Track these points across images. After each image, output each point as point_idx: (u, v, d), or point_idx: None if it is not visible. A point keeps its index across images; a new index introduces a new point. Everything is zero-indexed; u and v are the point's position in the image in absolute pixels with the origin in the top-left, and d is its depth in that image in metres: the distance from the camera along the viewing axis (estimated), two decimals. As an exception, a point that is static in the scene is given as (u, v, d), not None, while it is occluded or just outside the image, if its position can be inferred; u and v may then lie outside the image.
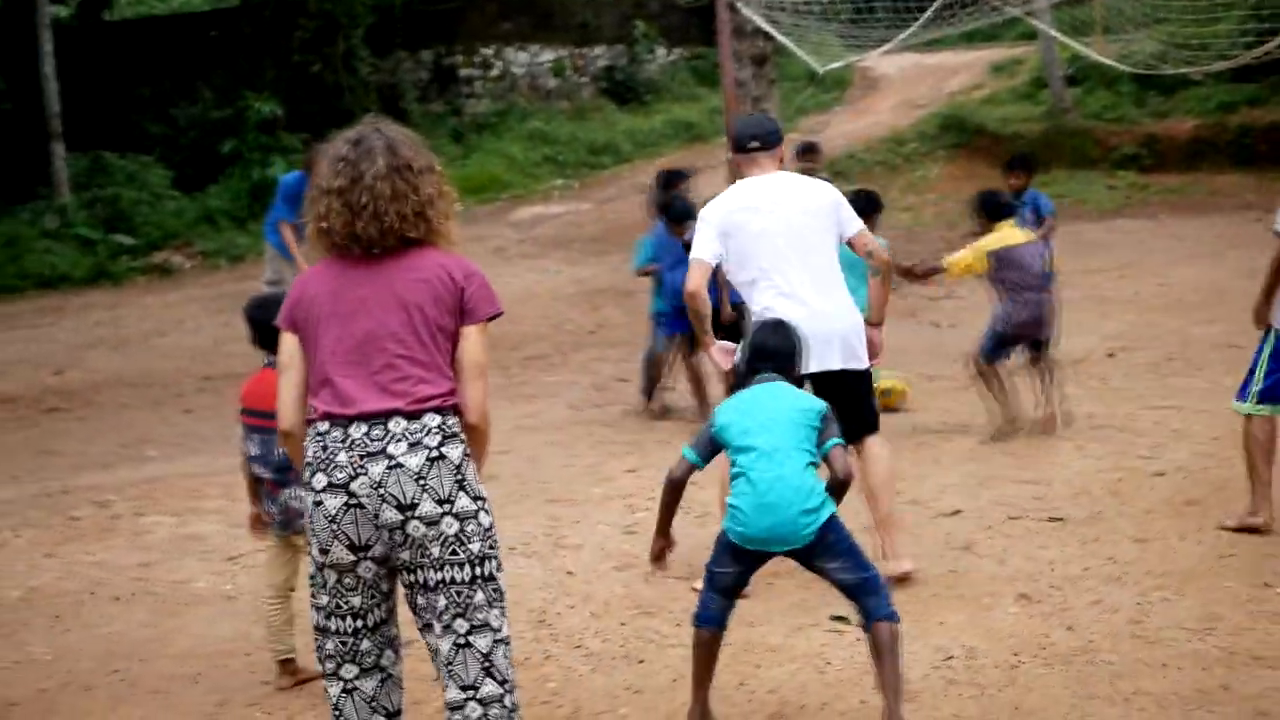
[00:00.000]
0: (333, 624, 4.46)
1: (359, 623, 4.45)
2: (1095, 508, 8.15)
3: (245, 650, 6.75)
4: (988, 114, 26.95)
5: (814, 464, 5.46)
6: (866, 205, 9.17)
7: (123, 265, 21.96)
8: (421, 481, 4.29)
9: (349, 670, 4.48)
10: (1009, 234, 9.86)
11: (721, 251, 7.15)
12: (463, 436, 4.42)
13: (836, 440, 5.51)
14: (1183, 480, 8.59)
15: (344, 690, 4.49)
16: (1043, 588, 6.89)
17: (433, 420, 4.35)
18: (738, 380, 6.20)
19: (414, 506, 4.28)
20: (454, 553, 4.33)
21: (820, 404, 5.57)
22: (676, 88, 31.86)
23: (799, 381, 5.83)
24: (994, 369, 9.99)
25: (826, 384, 6.94)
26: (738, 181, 7.41)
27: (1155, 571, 7.03)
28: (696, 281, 7.14)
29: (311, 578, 4.49)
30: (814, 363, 6.86)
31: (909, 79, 31.99)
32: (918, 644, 6.14)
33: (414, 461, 4.29)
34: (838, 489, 5.48)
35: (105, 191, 23.38)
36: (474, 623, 4.38)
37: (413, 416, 4.33)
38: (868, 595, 5.43)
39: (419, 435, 4.31)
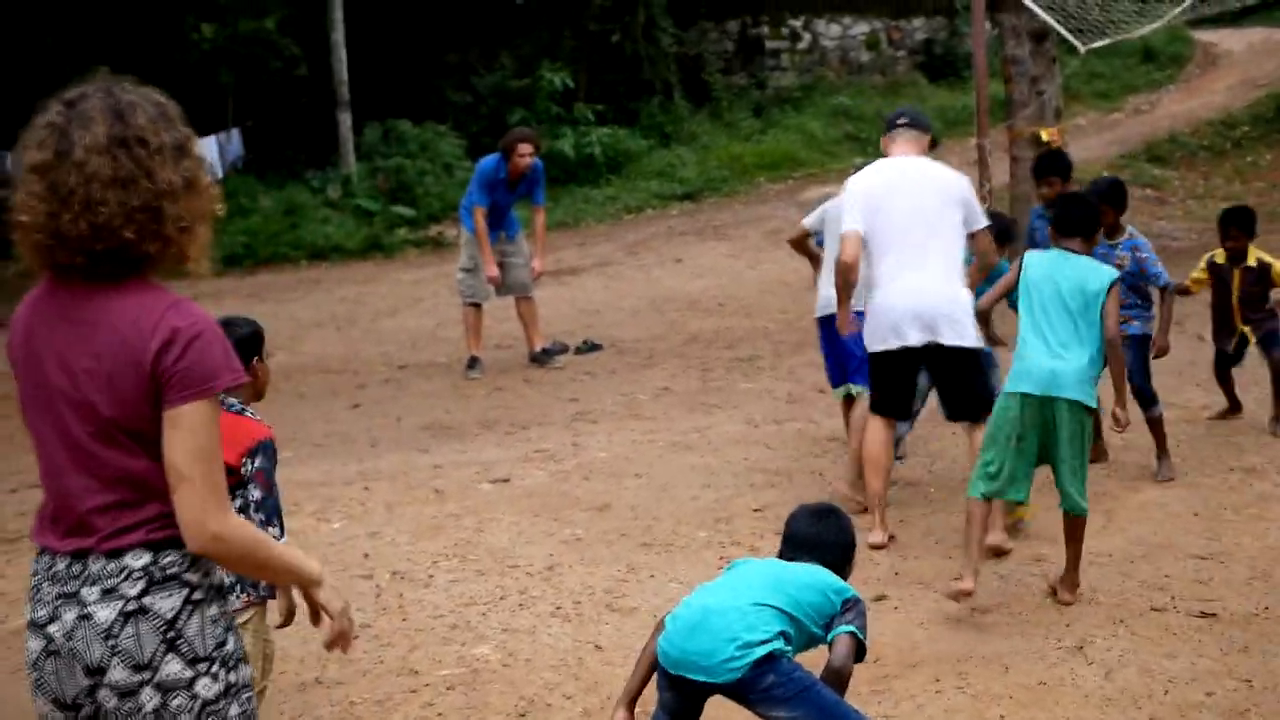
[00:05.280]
0: None
1: None
2: (1265, 601, 6.60)
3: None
4: (1333, 96, 24.46)
5: (784, 632, 4.49)
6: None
7: (398, 237, 21.62)
8: (112, 642, 3.21)
9: None
10: None
11: (869, 223, 7.45)
12: (189, 578, 3.27)
13: (848, 628, 4.57)
14: (1394, 569, 6.95)
15: None
16: None
17: (136, 561, 3.23)
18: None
19: (102, 671, 3.22)
20: None
21: (850, 589, 4.74)
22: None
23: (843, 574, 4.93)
24: None
25: (935, 359, 7.45)
26: (879, 160, 7.82)
27: (1294, 706, 5.52)
28: (851, 253, 7.42)
29: None
30: (924, 334, 7.34)
31: (1255, 55, 29.31)
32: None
33: (104, 615, 3.21)
34: (830, 677, 4.49)
35: (389, 162, 23.14)
36: None
37: (112, 555, 3.23)
38: None
39: (115, 581, 3.22)
